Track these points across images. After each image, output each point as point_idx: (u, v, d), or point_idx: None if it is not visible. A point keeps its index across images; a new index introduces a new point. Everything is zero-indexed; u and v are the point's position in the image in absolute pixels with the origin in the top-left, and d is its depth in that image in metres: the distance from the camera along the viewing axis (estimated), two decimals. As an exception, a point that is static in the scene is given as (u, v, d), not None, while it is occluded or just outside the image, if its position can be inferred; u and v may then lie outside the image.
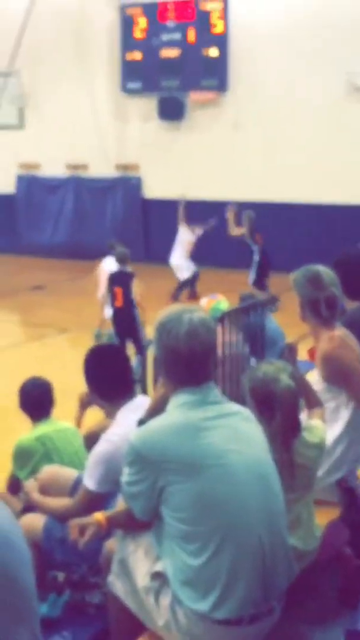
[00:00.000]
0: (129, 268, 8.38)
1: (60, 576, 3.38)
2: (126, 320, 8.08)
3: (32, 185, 17.58)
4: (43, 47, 15.97)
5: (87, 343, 9.61)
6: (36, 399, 4.25)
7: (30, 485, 3.56)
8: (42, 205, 17.46)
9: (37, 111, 15.90)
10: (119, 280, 8.21)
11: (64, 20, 16.20)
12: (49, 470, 3.67)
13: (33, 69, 15.08)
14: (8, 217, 17.14)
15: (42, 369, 8.58)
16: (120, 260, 8.41)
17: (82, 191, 17.12)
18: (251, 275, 11.56)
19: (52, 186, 17.37)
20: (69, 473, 3.66)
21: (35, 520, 3.38)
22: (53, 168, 17.07)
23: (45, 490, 3.54)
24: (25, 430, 4.41)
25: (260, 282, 11.42)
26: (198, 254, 12.99)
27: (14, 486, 4.10)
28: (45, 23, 15.43)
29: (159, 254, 15.11)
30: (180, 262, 12.14)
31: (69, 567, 3.35)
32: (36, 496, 3.49)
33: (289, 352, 3.41)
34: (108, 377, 3.30)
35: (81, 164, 16.98)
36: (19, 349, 9.97)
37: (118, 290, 8.12)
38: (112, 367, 3.32)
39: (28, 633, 2.45)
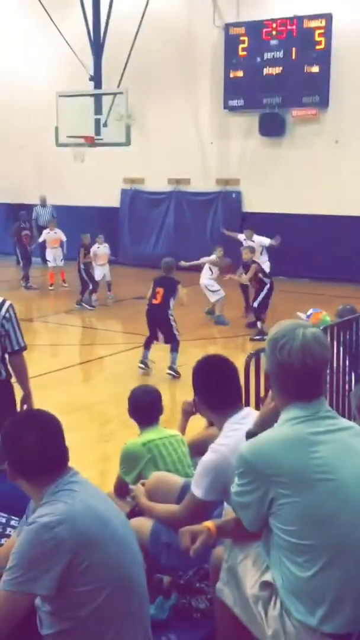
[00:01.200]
0: (174, 276, 9.56)
1: (166, 579, 3.46)
2: (159, 316, 9.20)
3: (135, 198, 18.03)
4: (149, 67, 16.40)
5: (187, 352, 9.78)
6: (145, 406, 4.36)
7: (139, 490, 3.66)
8: (145, 218, 17.86)
9: (142, 128, 16.31)
10: (163, 283, 9.31)
11: (170, 41, 16.60)
12: (156, 476, 3.75)
13: (139, 87, 15.49)
14: (113, 230, 17.61)
15: (143, 379, 8.81)
16: (167, 268, 9.55)
17: (184, 204, 17.41)
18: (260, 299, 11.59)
19: (155, 200, 17.75)
20: (175, 480, 3.73)
21: (143, 524, 3.46)
22: (156, 182, 17.44)
23: (152, 495, 3.62)
24: (126, 435, 4.53)
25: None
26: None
27: (121, 489, 4.22)
28: (152, 43, 15.86)
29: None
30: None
31: (175, 571, 3.43)
32: (144, 501, 3.58)
33: None
34: (217, 388, 3.32)
35: (183, 178, 17.27)
36: (120, 358, 10.21)
37: (160, 291, 9.21)
38: (221, 378, 3.34)
39: (141, 633, 2.56)
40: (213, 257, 12.32)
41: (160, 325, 9.24)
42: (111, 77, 14.33)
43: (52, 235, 15.57)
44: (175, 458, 4.17)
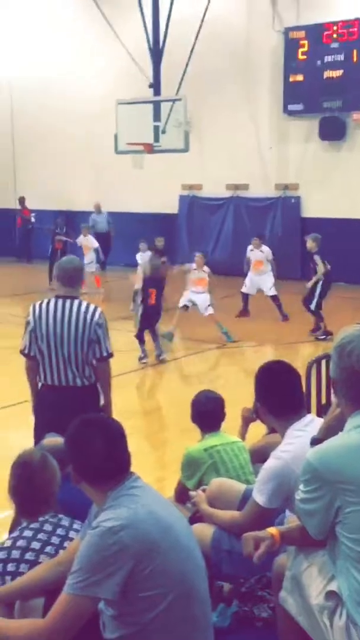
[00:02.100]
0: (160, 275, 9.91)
1: (226, 587, 3.43)
2: (155, 316, 9.66)
3: (193, 205, 18.05)
4: (208, 72, 16.40)
5: (246, 358, 9.70)
6: (208, 412, 4.34)
7: (200, 496, 3.64)
8: (203, 224, 17.86)
9: (201, 133, 16.31)
10: (154, 284, 9.67)
11: (229, 46, 16.58)
12: (217, 482, 3.72)
13: (198, 93, 15.49)
14: (171, 236, 17.63)
15: (201, 385, 8.79)
16: (154, 269, 9.87)
17: (242, 210, 17.35)
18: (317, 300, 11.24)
19: (213, 206, 17.75)
20: (237, 486, 3.69)
21: (204, 531, 3.43)
22: (214, 188, 17.44)
23: (213, 501, 3.59)
24: (184, 442, 4.51)
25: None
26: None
27: (182, 495, 4.21)
28: (211, 49, 15.85)
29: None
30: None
31: (236, 579, 3.40)
32: (205, 507, 3.55)
33: None
34: (280, 393, 3.27)
35: (242, 183, 17.23)
36: (178, 364, 10.21)
37: (152, 292, 9.60)
38: (285, 383, 3.29)
39: (204, 640, 2.53)
40: (192, 265, 11.36)
41: (153, 324, 9.67)
42: (169, 83, 14.36)
43: (83, 241, 15.77)
44: (237, 464, 4.15)
